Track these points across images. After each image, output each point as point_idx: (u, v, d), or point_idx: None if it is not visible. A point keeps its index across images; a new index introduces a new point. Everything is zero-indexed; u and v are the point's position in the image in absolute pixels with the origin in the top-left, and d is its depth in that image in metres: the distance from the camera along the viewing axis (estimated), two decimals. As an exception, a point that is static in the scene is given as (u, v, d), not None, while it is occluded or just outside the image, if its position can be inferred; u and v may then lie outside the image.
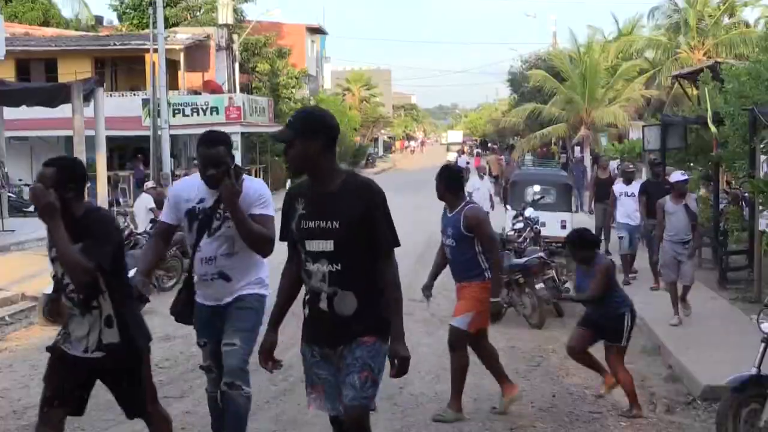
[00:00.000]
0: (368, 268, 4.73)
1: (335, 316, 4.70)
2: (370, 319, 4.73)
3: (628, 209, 15.04)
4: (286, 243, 5.00)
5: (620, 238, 15.17)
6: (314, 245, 4.70)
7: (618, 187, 15.82)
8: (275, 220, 5.70)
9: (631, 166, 16.98)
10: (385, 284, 4.78)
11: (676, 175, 12.04)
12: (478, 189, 20.65)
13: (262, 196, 5.90)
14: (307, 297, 4.86)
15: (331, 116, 4.84)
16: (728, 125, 14.22)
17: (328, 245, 4.67)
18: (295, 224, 4.78)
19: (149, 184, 18.55)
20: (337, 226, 4.64)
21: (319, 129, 4.70)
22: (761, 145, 12.43)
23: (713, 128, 14.69)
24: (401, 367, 4.78)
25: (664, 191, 12.41)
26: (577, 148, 40.17)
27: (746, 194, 14.38)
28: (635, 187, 15.14)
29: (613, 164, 25.35)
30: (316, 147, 4.67)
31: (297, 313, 13.15)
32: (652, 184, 14.72)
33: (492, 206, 20.43)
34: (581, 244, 8.23)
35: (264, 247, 5.81)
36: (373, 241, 4.72)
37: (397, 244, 4.83)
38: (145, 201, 17.05)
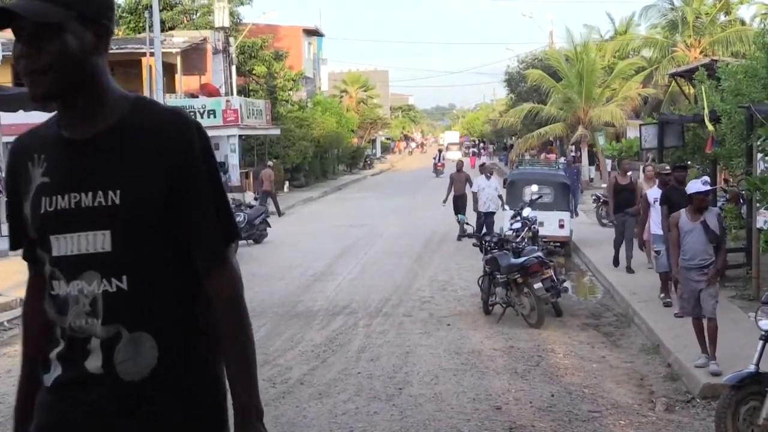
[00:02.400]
0: (180, 286, 2.47)
1: (117, 385, 2.37)
2: (187, 393, 2.44)
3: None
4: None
5: (656, 252, 13.08)
6: (71, 244, 2.40)
7: (653, 192, 13.59)
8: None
9: (667, 167, 14.12)
10: (219, 316, 2.47)
11: (694, 185, 9.58)
12: (484, 189, 20.62)
13: None
14: (56, 352, 2.48)
15: None
16: (725, 123, 14.23)
17: (99, 241, 2.38)
18: (32, 207, 2.47)
19: None
20: (117, 200, 2.38)
21: (102, 8, 2.45)
22: (758, 143, 12.43)
23: (710, 126, 14.70)
24: None
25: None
26: (572, 147, 40.10)
27: (743, 192, 14.36)
28: None
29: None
30: (89, 42, 2.40)
31: (301, 313, 13.14)
32: (675, 190, 12.17)
33: (502, 206, 20.14)
34: None
35: None
36: (192, 233, 2.46)
37: (236, 237, 2.56)
38: None
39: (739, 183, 15.72)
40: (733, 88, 14.24)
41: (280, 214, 29.45)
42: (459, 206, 22.47)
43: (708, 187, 9.62)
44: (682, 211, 9.60)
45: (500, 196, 20.54)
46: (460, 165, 24.66)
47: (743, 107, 13.19)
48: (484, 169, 22.66)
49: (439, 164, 55.34)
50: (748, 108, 12.93)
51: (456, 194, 23.02)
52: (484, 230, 17.92)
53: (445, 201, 23.14)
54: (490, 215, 20.37)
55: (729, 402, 6.72)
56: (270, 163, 34.03)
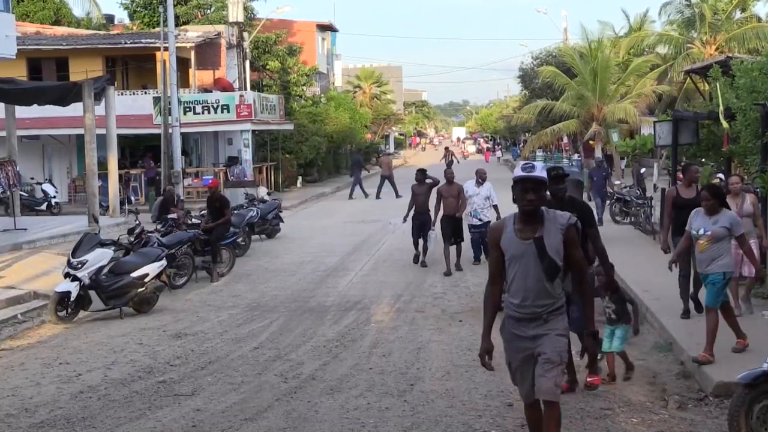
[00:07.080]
0: None
1: None
2: None
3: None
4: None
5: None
6: None
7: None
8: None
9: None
10: None
11: (516, 169, 5.85)
12: (471, 197, 17.42)
13: None
14: None
15: None
16: (740, 120, 14.15)
17: None
18: None
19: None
20: None
21: None
22: (773, 140, 12.34)
23: (725, 123, 14.62)
24: None
25: None
26: (597, 147, 39.74)
27: (758, 189, 14.27)
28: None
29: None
30: None
31: (313, 308, 13.10)
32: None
33: (497, 216, 16.88)
34: None
35: None
36: None
37: None
38: None
39: (753, 180, 15.64)
40: (748, 86, 14.15)
41: (397, 195, 33.27)
42: (417, 226, 17.67)
43: (542, 174, 5.61)
44: (509, 217, 5.84)
45: (495, 207, 17.34)
46: (419, 176, 18.68)
47: (758, 104, 13.11)
48: (476, 173, 18.11)
49: (465, 152, 75.60)
50: (763, 105, 12.86)
51: (417, 210, 17.75)
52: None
53: (405, 219, 18.15)
54: (479, 228, 17.22)
55: (742, 400, 6.68)
56: (388, 151, 37.27)
